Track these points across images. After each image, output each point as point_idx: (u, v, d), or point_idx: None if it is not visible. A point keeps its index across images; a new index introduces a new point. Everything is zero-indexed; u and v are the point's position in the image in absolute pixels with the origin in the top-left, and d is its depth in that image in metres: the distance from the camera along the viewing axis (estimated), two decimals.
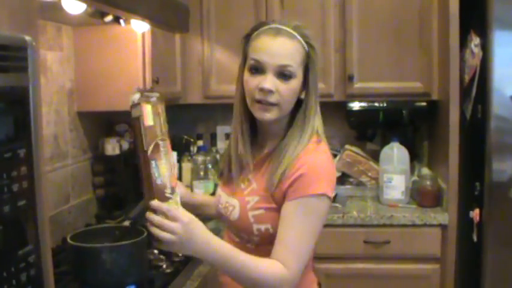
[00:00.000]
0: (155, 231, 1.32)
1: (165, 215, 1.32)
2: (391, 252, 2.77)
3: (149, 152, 1.34)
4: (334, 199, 2.99)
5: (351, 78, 3.00)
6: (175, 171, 1.45)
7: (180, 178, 3.10)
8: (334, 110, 3.24)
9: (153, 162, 1.34)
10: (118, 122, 2.90)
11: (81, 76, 2.50)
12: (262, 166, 1.60)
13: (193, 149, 3.23)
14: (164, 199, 1.34)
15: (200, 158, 3.07)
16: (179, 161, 3.13)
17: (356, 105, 3.10)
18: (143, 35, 2.43)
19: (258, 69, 1.52)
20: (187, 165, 3.14)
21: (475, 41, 2.60)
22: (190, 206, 1.89)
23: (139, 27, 2.34)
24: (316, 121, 1.57)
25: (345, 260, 2.80)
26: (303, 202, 1.47)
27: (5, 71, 1.00)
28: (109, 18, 2.08)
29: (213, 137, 3.31)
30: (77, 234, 1.82)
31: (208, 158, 3.11)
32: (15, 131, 1.03)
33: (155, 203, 1.33)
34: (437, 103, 3.00)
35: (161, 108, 1.40)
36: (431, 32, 2.94)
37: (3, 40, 1.01)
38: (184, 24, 2.90)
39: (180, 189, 1.82)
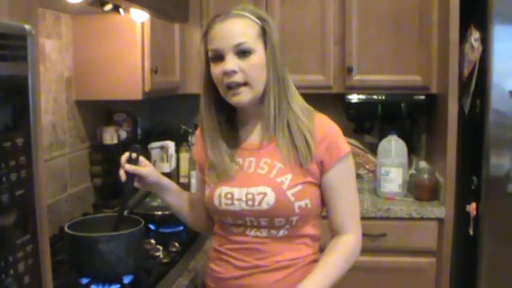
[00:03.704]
0: None
1: None
2: (387, 245, 2.77)
3: None
4: None
5: (350, 71, 2.99)
6: None
7: (177, 168, 3.11)
8: (333, 102, 3.23)
9: None
10: (116, 111, 2.89)
11: (80, 65, 2.49)
12: (270, 146, 1.56)
13: (191, 139, 3.22)
14: None
15: None
16: (177, 151, 3.13)
17: (355, 98, 3.09)
18: (142, 24, 2.42)
19: (218, 57, 1.52)
20: (184, 155, 3.14)
21: (475, 35, 2.60)
22: (156, 187, 1.70)
23: (139, 16, 2.34)
24: (291, 88, 1.59)
25: None
26: (340, 166, 1.56)
27: (4, 60, 0.99)
28: (109, 7, 2.08)
29: None
30: (75, 223, 1.82)
31: None
32: (14, 120, 1.03)
33: None
34: (436, 97, 3.00)
35: None
36: (431, 25, 2.93)
37: (3, 29, 1.00)
38: (184, 14, 2.90)
39: (148, 167, 1.67)
